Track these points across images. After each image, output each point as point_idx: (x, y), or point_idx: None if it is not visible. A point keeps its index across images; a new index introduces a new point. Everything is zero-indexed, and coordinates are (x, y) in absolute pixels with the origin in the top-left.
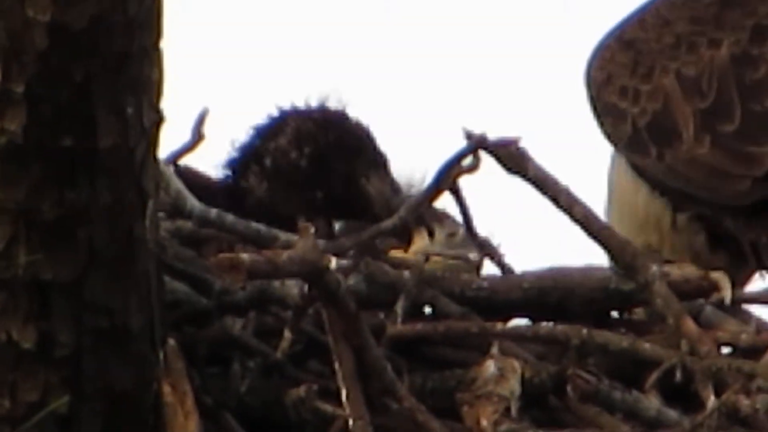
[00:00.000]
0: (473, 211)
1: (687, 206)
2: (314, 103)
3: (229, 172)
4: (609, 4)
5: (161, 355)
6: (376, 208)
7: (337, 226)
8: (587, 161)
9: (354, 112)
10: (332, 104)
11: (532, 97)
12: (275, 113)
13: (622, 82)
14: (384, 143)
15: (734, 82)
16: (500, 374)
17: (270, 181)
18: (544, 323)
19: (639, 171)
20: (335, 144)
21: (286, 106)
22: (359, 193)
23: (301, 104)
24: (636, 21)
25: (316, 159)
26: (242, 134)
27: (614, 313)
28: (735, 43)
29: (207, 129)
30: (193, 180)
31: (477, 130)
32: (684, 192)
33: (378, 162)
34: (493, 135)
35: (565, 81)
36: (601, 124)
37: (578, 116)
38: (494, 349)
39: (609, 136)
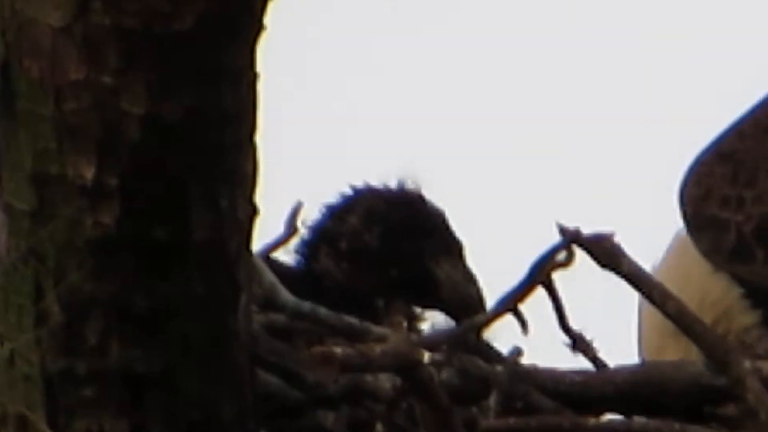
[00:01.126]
0: (566, 306)
1: None
2: (391, 183)
3: (301, 254)
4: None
5: None
6: (444, 294)
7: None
8: None
9: (431, 195)
10: (409, 185)
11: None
12: (348, 192)
13: (723, 192)
14: (464, 229)
15: None
16: None
17: (345, 263)
18: (637, 418)
19: (740, 283)
20: (405, 224)
21: (360, 184)
22: (427, 276)
23: (375, 183)
24: (733, 133)
25: (386, 238)
26: (314, 214)
27: (707, 408)
28: None
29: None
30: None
31: (570, 225)
32: None
33: (450, 247)
34: (586, 229)
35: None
36: (698, 241)
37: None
38: None
39: (707, 253)
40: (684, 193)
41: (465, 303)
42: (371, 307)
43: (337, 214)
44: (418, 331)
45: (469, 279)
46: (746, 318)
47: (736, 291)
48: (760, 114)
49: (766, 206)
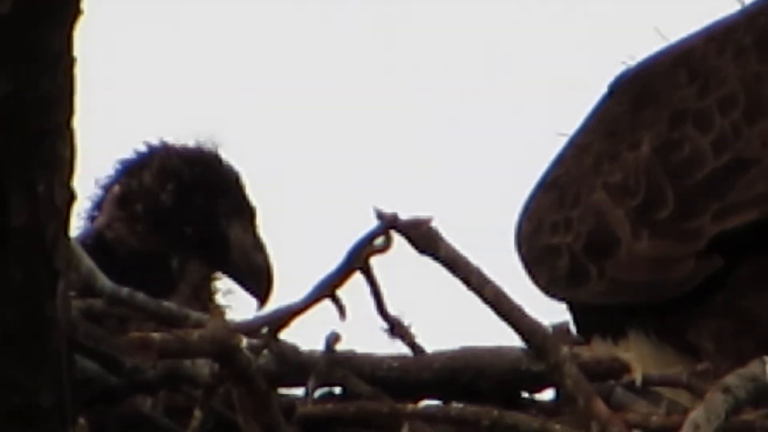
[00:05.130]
0: (384, 291)
1: (635, 324)
2: (189, 142)
3: (93, 214)
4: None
5: None
6: (233, 257)
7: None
8: (501, 241)
9: (229, 156)
10: (207, 145)
11: (445, 174)
12: (142, 149)
13: (552, 219)
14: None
15: (661, 169)
16: None
17: (140, 225)
18: (455, 404)
19: (580, 309)
20: (199, 180)
21: (155, 142)
22: (219, 236)
23: (172, 141)
24: (555, 161)
25: (180, 195)
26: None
27: (525, 394)
28: (655, 136)
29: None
30: None
31: (388, 210)
32: (630, 308)
33: (243, 210)
34: (404, 215)
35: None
36: (537, 280)
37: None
38: (405, 430)
39: (546, 288)
40: (519, 233)
41: (252, 270)
42: (166, 268)
43: (130, 171)
44: (212, 292)
45: (259, 246)
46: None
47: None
48: (576, 137)
49: (591, 220)
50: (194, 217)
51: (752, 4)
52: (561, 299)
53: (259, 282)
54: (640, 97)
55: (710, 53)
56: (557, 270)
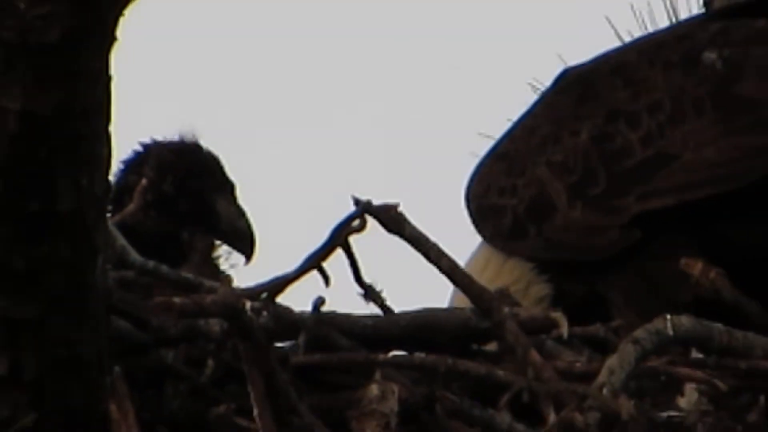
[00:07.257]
0: (361, 263)
1: (559, 277)
2: (173, 137)
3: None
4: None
5: (109, 380)
6: (222, 226)
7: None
8: (455, 218)
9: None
10: (188, 137)
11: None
12: (138, 148)
13: (500, 184)
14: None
15: (596, 155)
16: (382, 395)
17: (152, 211)
18: (417, 354)
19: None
20: (190, 168)
21: (147, 140)
22: (209, 210)
23: (161, 138)
24: (506, 137)
25: (178, 183)
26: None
27: (474, 346)
28: (593, 128)
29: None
30: None
31: (363, 197)
32: (558, 262)
33: (225, 186)
34: (376, 201)
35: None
36: (482, 230)
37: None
38: (377, 375)
39: (490, 239)
40: (469, 191)
41: (238, 234)
42: (178, 242)
43: (132, 168)
44: (217, 257)
45: (241, 213)
46: (539, 290)
47: (528, 269)
48: (526, 118)
49: (534, 189)
50: (190, 199)
51: (677, 25)
52: (501, 249)
53: (244, 243)
54: (583, 95)
55: (643, 65)
56: (501, 226)
